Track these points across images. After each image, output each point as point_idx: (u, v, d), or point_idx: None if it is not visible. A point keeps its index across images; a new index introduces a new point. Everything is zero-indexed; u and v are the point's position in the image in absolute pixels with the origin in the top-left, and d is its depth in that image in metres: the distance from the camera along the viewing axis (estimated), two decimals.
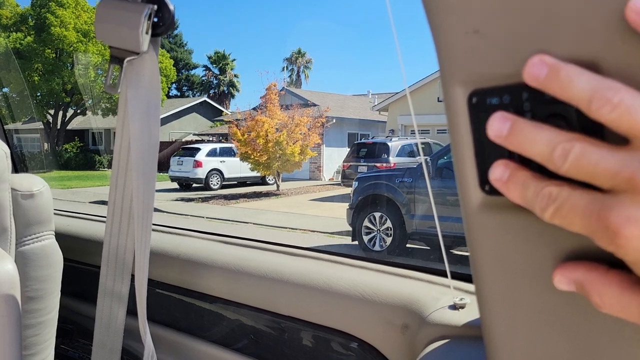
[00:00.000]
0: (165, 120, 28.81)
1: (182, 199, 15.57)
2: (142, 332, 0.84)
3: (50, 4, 24.52)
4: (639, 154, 0.30)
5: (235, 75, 48.25)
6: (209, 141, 24.79)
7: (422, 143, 13.44)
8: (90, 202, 13.09)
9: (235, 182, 19.19)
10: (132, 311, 0.93)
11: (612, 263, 0.34)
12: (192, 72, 49.76)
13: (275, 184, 17.59)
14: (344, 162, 15.31)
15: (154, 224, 0.83)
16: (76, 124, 28.79)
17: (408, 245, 7.90)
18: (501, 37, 0.37)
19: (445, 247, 0.74)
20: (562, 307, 0.40)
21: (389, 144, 14.05)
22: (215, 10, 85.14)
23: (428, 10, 0.40)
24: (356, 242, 8.23)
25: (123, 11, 0.69)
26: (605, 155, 0.30)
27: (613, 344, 0.38)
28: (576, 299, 0.36)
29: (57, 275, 1.00)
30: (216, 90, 47.72)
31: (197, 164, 18.19)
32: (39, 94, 25.14)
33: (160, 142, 0.79)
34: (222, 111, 33.39)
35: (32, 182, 0.95)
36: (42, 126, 26.64)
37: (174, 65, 30.65)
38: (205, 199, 15.50)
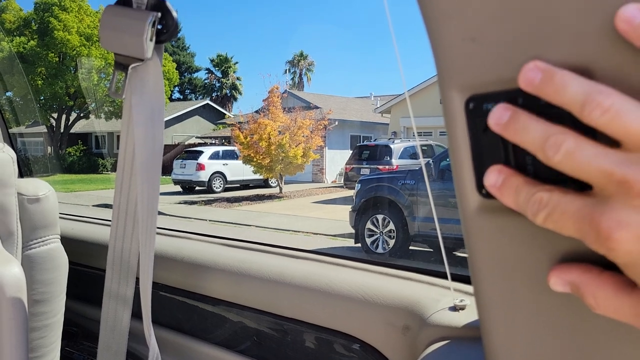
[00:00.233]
0: (168, 124, 28.85)
1: (185, 202, 15.59)
2: (147, 335, 0.85)
3: (53, 8, 24.61)
4: (630, 156, 0.30)
5: (237, 78, 48.31)
6: (211, 144, 24.83)
7: (425, 145, 13.44)
8: (93, 206, 13.12)
9: (238, 185, 19.20)
10: (136, 314, 0.94)
11: (606, 265, 0.34)
12: (195, 75, 49.84)
13: (277, 187, 17.60)
14: (346, 164, 15.30)
15: (157, 228, 0.84)
16: (79, 127, 28.86)
17: (411, 248, 7.90)
18: (497, 44, 0.38)
19: (448, 250, 0.75)
20: (559, 308, 0.40)
21: (392, 146, 14.04)
22: (217, 13, 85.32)
23: (426, 18, 0.41)
24: (359, 245, 8.22)
25: (127, 19, 0.70)
26: (599, 154, 0.31)
27: (609, 344, 0.39)
28: (573, 300, 0.37)
29: (62, 278, 1.01)
30: (219, 93, 47.77)
31: (200, 167, 18.21)
32: (42, 97, 25.23)
33: (163, 145, 0.81)
34: (225, 114, 33.42)
35: (38, 186, 0.97)
36: (45, 130, 26.71)
37: (176, 69, 30.70)
38: (208, 202, 15.51)
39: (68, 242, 1.08)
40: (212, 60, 48.49)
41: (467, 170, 0.42)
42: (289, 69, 47.91)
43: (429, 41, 0.42)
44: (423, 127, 17.65)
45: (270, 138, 16.21)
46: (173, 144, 27.02)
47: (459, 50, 0.40)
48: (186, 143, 27.38)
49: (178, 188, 18.74)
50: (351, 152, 16.27)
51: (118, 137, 29.35)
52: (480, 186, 0.41)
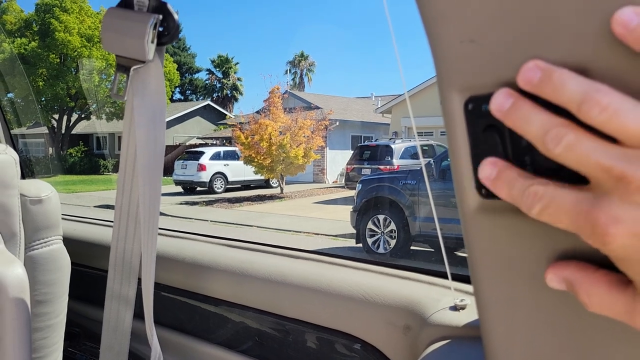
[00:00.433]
0: (169, 124, 28.86)
1: (187, 203, 15.60)
2: (149, 335, 0.85)
3: (54, 9, 24.63)
4: (629, 153, 0.30)
5: (238, 79, 48.34)
6: (212, 145, 24.84)
7: (426, 145, 13.43)
8: (95, 207, 13.13)
9: (239, 186, 19.20)
10: (138, 314, 0.95)
11: (602, 263, 0.35)
12: (196, 75, 49.87)
13: (279, 187, 17.60)
14: (347, 164, 15.30)
15: (159, 228, 0.85)
16: (80, 128, 28.88)
17: (412, 248, 7.90)
18: (496, 46, 0.38)
19: (449, 249, 0.75)
20: (559, 307, 0.41)
21: (393, 146, 14.03)
22: (217, 14, 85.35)
23: (424, 19, 0.42)
24: (360, 245, 8.22)
25: (129, 21, 0.70)
26: (598, 148, 0.31)
27: (607, 342, 0.39)
28: (572, 299, 0.37)
29: (65, 279, 1.02)
30: (219, 94, 47.81)
31: (201, 168, 18.22)
32: (43, 99, 25.25)
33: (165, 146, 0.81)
34: (226, 115, 33.43)
35: (40, 187, 0.97)
36: (47, 131, 26.74)
37: (177, 69, 30.72)
38: (209, 203, 15.52)
39: (70, 243, 1.08)
40: (212, 61, 48.56)
41: (467, 170, 0.42)
42: (290, 70, 47.95)
43: (428, 42, 0.43)
44: (424, 127, 17.64)
45: (271, 138, 16.21)
46: (174, 144, 27.04)
47: (458, 51, 0.40)
48: (187, 144, 27.40)
49: (179, 189, 18.75)
50: (352, 152, 16.27)
51: (119, 138, 29.34)
52: (479, 186, 0.41)
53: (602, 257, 0.33)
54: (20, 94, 21.44)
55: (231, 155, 19.08)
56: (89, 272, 1.29)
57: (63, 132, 26.83)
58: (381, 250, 8.00)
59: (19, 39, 24.62)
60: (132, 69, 0.72)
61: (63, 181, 21.34)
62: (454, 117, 0.42)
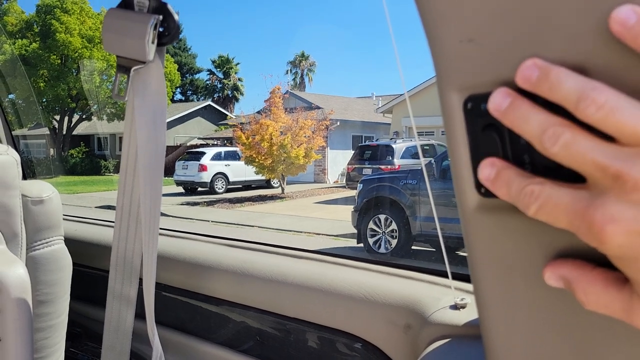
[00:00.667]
0: (170, 125, 28.89)
1: (188, 203, 15.61)
2: (151, 335, 0.86)
3: (55, 10, 24.67)
4: (625, 151, 0.30)
5: (239, 79, 48.37)
6: (213, 145, 24.86)
7: (427, 145, 13.43)
8: (96, 207, 13.14)
9: (240, 186, 19.21)
10: (139, 314, 0.95)
11: (600, 262, 0.35)
12: (196, 76, 49.92)
13: (280, 187, 17.61)
14: (348, 164, 15.31)
15: (160, 229, 0.85)
16: (82, 129, 28.93)
17: (413, 247, 7.90)
18: (494, 45, 0.38)
19: (450, 249, 0.75)
20: (558, 305, 0.41)
21: (394, 146, 14.04)
22: (219, 14, 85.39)
23: (423, 19, 0.42)
24: (361, 245, 8.23)
25: (129, 22, 0.70)
26: (596, 147, 0.31)
27: (607, 341, 0.39)
28: (571, 296, 0.38)
29: (66, 279, 1.02)
30: (220, 94, 47.84)
31: (202, 168, 18.23)
32: (44, 99, 25.29)
33: (166, 146, 0.81)
34: (227, 115, 33.46)
35: (42, 188, 0.97)
36: (48, 132, 26.77)
37: (178, 70, 30.77)
38: (210, 203, 15.53)
39: (71, 243, 1.08)
40: (213, 62, 48.59)
41: (466, 169, 0.42)
42: (291, 70, 47.96)
43: (427, 42, 0.43)
44: (425, 126, 17.64)
45: (272, 139, 16.22)
46: (175, 145, 27.06)
47: (457, 51, 0.40)
48: (188, 144, 27.42)
49: (180, 189, 18.76)
50: (353, 152, 16.28)
51: (120, 138, 29.35)
52: (479, 185, 0.42)
53: (599, 255, 0.33)
54: (22, 95, 21.48)
55: (232, 156, 19.09)
56: (90, 272, 1.29)
57: (64, 133, 26.87)
58: (382, 250, 8.00)
59: (20, 40, 24.66)
60: (132, 69, 0.73)
61: (64, 182, 21.37)
62: (453, 116, 0.42)
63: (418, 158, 13.44)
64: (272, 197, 16.44)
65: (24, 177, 1.06)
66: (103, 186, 19.82)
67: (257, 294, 1.01)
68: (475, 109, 0.40)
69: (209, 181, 18.31)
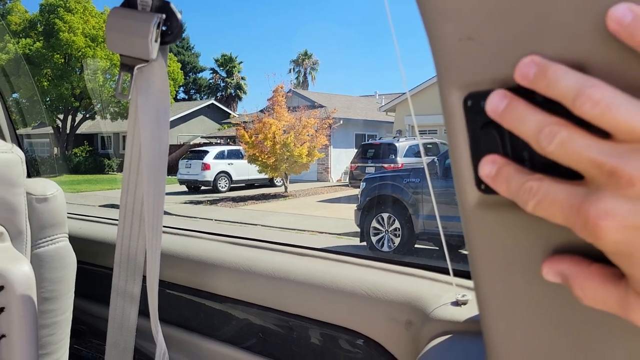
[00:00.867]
0: (173, 124, 28.89)
1: (191, 202, 15.63)
2: (154, 332, 0.86)
3: (58, 9, 24.73)
4: (620, 148, 0.31)
5: (242, 78, 48.38)
6: (216, 144, 24.88)
7: (430, 143, 13.42)
8: (100, 206, 13.17)
9: (244, 185, 19.24)
10: (143, 312, 0.95)
11: (597, 258, 0.35)
12: (200, 75, 49.96)
13: (283, 186, 17.62)
14: (351, 163, 15.29)
15: (163, 226, 0.86)
16: (85, 128, 28.99)
17: (416, 246, 7.90)
18: (494, 43, 0.38)
19: (453, 247, 0.76)
20: (557, 300, 0.41)
21: (397, 144, 14.03)
22: (221, 13, 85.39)
23: (424, 18, 0.42)
24: (364, 243, 8.23)
25: (133, 20, 0.71)
26: (591, 145, 0.32)
27: (606, 336, 0.40)
28: (570, 292, 0.38)
29: (71, 276, 1.03)
30: (223, 93, 47.86)
31: (205, 167, 18.25)
32: (48, 99, 25.36)
33: (169, 145, 0.82)
34: (230, 114, 33.45)
35: (46, 186, 0.98)
36: (51, 131, 26.84)
37: (181, 69, 30.78)
38: (213, 202, 15.55)
39: (75, 241, 1.09)
40: (216, 60, 48.60)
41: (466, 166, 0.43)
42: (294, 68, 47.94)
43: (427, 40, 0.43)
44: (428, 125, 17.61)
45: (275, 137, 16.22)
46: (178, 143, 27.09)
47: (457, 49, 0.40)
48: (191, 143, 27.45)
49: (184, 188, 18.79)
50: (356, 150, 16.27)
51: (124, 137, 29.47)
52: (479, 182, 0.42)
53: (596, 251, 0.34)
54: (25, 94, 21.53)
55: (235, 154, 19.11)
56: (94, 270, 1.30)
57: (68, 132, 26.93)
58: (385, 248, 8.00)
59: (23, 39, 24.71)
60: (136, 68, 0.73)
61: (68, 181, 21.41)
62: (454, 114, 0.42)
63: (420, 156, 13.42)
64: (275, 196, 16.46)
65: (29, 176, 1.07)
66: (106, 185, 19.86)
67: (260, 291, 1.02)
68: (475, 106, 0.40)
69: (212, 180, 18.34)
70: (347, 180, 16.85)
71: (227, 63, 48.15)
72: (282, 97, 17.63)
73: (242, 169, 18.80)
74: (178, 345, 1.15)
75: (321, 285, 0.93)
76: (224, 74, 48.35)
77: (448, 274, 0.83)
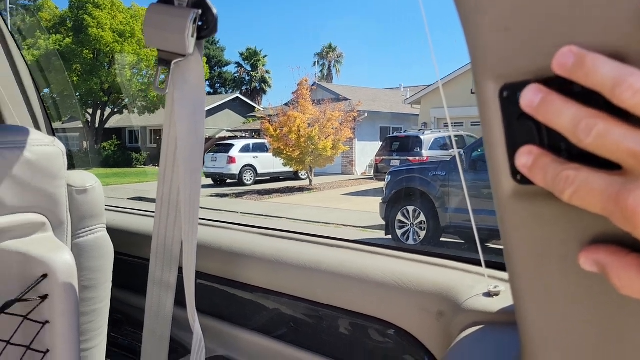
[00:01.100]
0: None
1: (217, 195, 15.78)
2: (191, 320, 0.88)
3: (87, 5, 25.13)
4: None
5: (266, 72, 48.50)
6: (242, 137, 25.04)
7: (456, 136, 13.27)
8: (129, 199, 13.40)
9: (269, 178, 19.34)
10: (178, 302, 0.98)
11: (634, 247, 0.36)
12: (225, 69, 50.24)
13: (307, 179, 17.66)
14: (376, 156, 15.23)
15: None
16: (113, 122, 29.44)
17: (442, 239, 7.85)
18: (530, 34, 0.39)
19: (481, 240, 0.76)
20: (594, 291, 0.41)
21: (422, 137, 13.91)
22: (247, 7, 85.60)
23: (460, 10, 0.43)
24: (389, 236, 8.21)
25: (170, 16, 0.73)
26: (629, 135, 0.32)
27: None
28: (607, 282, 0.38)
29: (108, 265, 1.06)
30: (248, 87, 48.06)
31: (231, 160, 18.40)
32: (78, 93, 25.83)
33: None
34: (255, 107, 33.59)
35: (85, 178, 1.01)
36: (81, 125, 27.34)
37: (206, 63, 31.01)
38: (239, 195, 15.68)
39: (111, 232, 1.12)
40: (241, 54, 48.80)
41: (502, 157, 0.43)
42: (318, 61, 47.84)
43: (463, 31, 0.44)
44: (454, 117, 17.39)
45: (299, 130, 16.25)
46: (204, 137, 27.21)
47: (493, 39, 0.41)
48: (217, 136, 27.66)
49: (210, 181, 18.97)
50: (381, 143, 16.19)
51: (151, 131, 29.89)
52: (514, 172, 0.42)
53: (633, 240, 0.34)
54: (57, 89, 21.96)
55: (260, 148, 19.21)
56: (129, 260, 1.33)
57: (97, 126, 27.40)
58: (410, 241, 7.97)
59: (54, 35, 25.19)
60: (173, 62, 0.75)
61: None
62: (489, 105, 0.43)
63: (446, 149, 13.29)
64: (300, 189, 16.50)
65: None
66: (135, 178, 20.17)
67: (291, 282, 1.03)
68: (511, 97, 0.41)
69: (238, 173, 18.49)
70: (372, 173, 16.79)
71: (252, 57, 48.31)
72: (307, 90, 17.63)
73: (267, 162, 18.90)
74: (211, 334, 1.17)
75: (352, 276, 0.94)
76: (248, 68, 48.54)
77: (479, 265, 0.84)
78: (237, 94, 35.14)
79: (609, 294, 0.40)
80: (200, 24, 0.74)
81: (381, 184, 9.82)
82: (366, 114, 20.55)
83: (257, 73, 47.98)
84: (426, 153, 13.28)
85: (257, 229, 1.23)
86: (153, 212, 0.92)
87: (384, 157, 14.27)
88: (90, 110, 27.26)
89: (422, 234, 7.86)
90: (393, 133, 19.40)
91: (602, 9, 0.35)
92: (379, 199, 8.77)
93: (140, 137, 30.44)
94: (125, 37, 25.14)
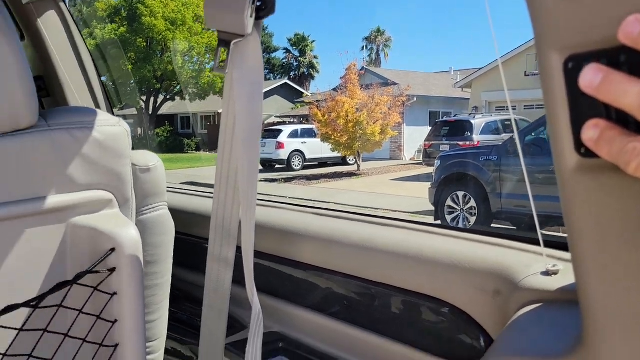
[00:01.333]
0: None
1: (266, 180, 15.98)
2: (250, 295, 0.91)
3: None
4: None
5: (314, 57, 48.45)
6: (290, 123, 25.20)
7: (508, 120, 12.93)
8: (181, 183, 13.74)
9: (316, 163, 19.43)
10: (235, 280, 1.01)
11: None
12: (273, 55, 50.47)
13: (355, 164, 17.63)
14: (425, 140, 15.02)
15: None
16: (166, 109, 30.18)
17: (493, 225, 7.70)
18: (595, 3, 0.38)
19: (532, 228, 0.74)
20: None
21: (473, 121, 13.62)
22: None
23: None
24: (439, 222, 8.12)
25: None
26: None
27: None
28: None
29: (170, 242, 1.10)
30: (296, 72, 48.19)
31: (280, 146, 18.58)
32: (132, 81, 26.60)
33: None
34: (303, 93, 33.68)
35: (148, 157, 1.05)
36: (136, 112, 28.18)
37: None
38: (287, 180, 15.84)
39: (171, 212, 1.16)
40: (289, 40, 48.91)
41: (566, 130, 0.42)
42: (366, 46, 47.40)
43: (526, 3, 0.43)
44: (506, 101, 16.94)
45: (348, 115, 16.21)
46: None
47: (557, 9, 0.40)
48: (265, 122, 27.94)
49: (259, 166, 19.21)
50: (430, 128, 15.96)
51: (202, 117, 30.47)
52: (578, 145, 0.42)
53: None
54: (116, 76, 22.65)
55: (308, 133, 19.30)
56: (188, 239, 1.38)
57: (150, 113, 28.18)
58: (460, 227, 7.86)
59: (109, 25, 25.96)
60: (232, 43, 0.77)
61: None
62: (553, 77, 0.42)
63: (498, 134, 12.97)
64: (348, 174, 16.51)
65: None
66: (187, 163, 20.67)
67: (344, 260, 1.05)
68: (577, 69, 0.40)
69: (286, 158, 18.66)
70: (421, 158, 16.59)
71: (300, 42, 48.35)
72: (355, 75, 17.53)
73: (315, 148, 18.98)
74: (266, 312, 1.20)
75: (407, 255, 0.94)
76: (297, 54, 48.62)
77: (537, 244, 0.82)
78: (285, 80, 35.29)
79: None
80: (258, 4, 0.76)
81: (430, 169, 9.70)
82: (415, 99, 20.26)
83: (305, 58, 48.02)
84: (477, 138, 13.00)
85: (311, 208, 1.25)
86: (209, 193, 0.95)
87: (433, 142, 14.06)
88: (144, 98, 28.04)
89: (472, 219, 7.74)
90: (443, 117, 19.06)
91: None
92: (427, 184, 8.68)
93: (192, 123, 31.09)
94: (177, 24, 25.62)
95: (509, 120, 13.17)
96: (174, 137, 28.63)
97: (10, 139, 0.81)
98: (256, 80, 0.79)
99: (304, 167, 18.96)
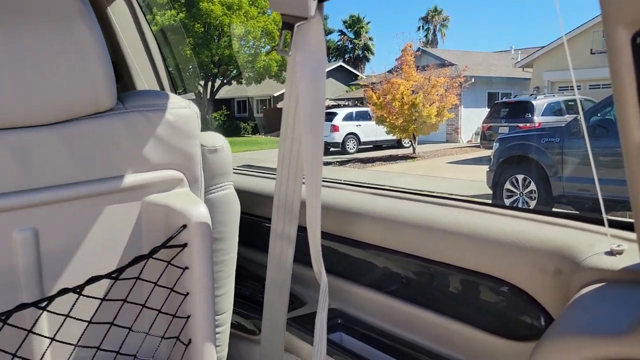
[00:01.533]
0: None
1: None
2: (317, 270, 0.95)
3: None
4: None
5: (370, 39, 47.93)
6: (345, 106, 25.12)
7: (572, 100, 12.40)
8: (238, 166, 14.01)
9: (371, 146, 19.34)
10: (297, 259, 1.05)
11: None
12: (328, 37, 50.25)
13: (411, 147, 17.43)
14: (483, 123, 14.64)
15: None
16: (223, 93, 30.73)
17: (554, 210, 7.46)
18: None
19: (595, 211, 0.74)
20: None
21: (534, 102, 13.13)
22: None
23: None
24: None
25: None
26: None
27: None
28: None
29: (235, 220, 1.15)
30: (351, 55, 47.86)
31: (334, 129, 18.59)
32: (190, 66, 27.20)
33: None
34: (358, 75, 33.45)
35: (215, 139, 1.10)
36: (194, 97, 28.85)
37: None
38: (342, 162, 15.86)
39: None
40: (344, 22, 48.54)
41: (633, 107, 0.42)
42: (422, 26, 46.47)
43: None
44: (570, 80, 16.22)
45: (403, 98, 15.99)
46: None
47: None
48: None
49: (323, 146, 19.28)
50: (488, 110, 15.52)
51: (258, 101, 30.83)
52: None
53: None
54: (174, 62, 23.22)
55: (363, 116, 19.21)
56: (250, 219, 1.43)
57: (208, 97, 28.79)
58: None
59: (168, 11, 26.58)
60: (296, 25, 0.79)
61: None
62: (620, 53, 0.42)
63: (561, 115, 12.46)
64: (403, 157, 16.35)
65: None
66: (243, 147, 21.03)
67: (404, 239, 1.06)
68: None
69: (341, 141, 18.67)
70: (479, 141, 16.19)
71: (354, 24, 47.91)
72: (411, 56, 17.23)
73: (370, 131, 18.88)
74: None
75: (466, 234, 0.95)
76: (351, 36, 48.23)
77: (600, 224, 0.81)
78: (340, 62, 35.12)
79: None
80: None
81: (488, 152, 9.47)
82: (473, 79, 19.73)
83: (360, 40, 47.57)
84: (538, 119, 12.55)
85: (371, 189, 1.27)
86: (270, 174, 0.98)
87: (492, 124, 13.69)
88: (202, 82, 28.65)
89: (532, 203, 7.52)
90: (502, 99, 18.50)
91: None
92: (485, 168, 8.48)
93: (248, 107, 31.54)
94: (233, 9, 25.95)
95: (573, 100, 12.62)
96: (231, 120, 29.16)
97: (92, 121, 0.87)
98: (319, 62, 0.81)
99: (359, 150, 18.91)
